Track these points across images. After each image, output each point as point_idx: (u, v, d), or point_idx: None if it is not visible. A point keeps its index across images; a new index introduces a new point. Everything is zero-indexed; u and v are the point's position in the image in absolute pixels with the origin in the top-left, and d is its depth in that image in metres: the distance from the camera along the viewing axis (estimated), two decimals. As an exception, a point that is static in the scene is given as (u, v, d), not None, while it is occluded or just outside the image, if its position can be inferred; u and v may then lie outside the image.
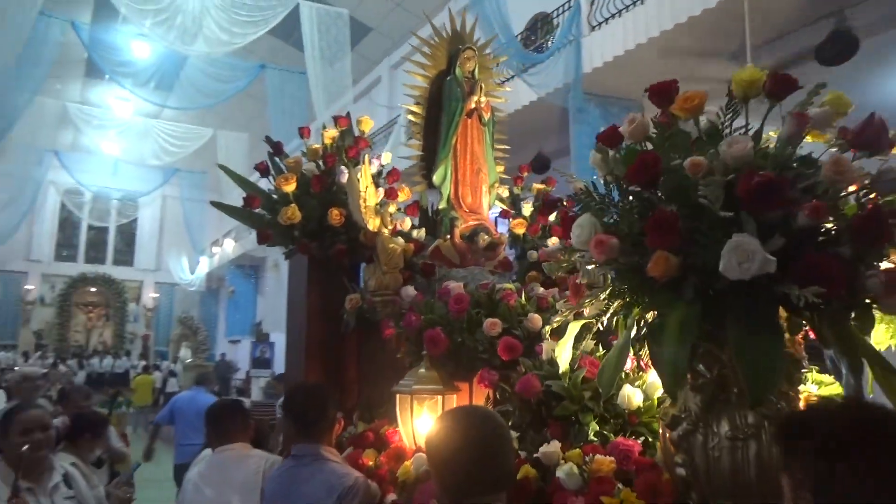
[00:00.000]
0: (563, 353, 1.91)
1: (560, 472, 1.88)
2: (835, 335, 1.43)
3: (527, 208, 3.94)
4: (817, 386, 2.11)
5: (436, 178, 3.65)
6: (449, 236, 3.50)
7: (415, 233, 3.62)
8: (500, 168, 3.89)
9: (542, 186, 4.00)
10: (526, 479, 1.95)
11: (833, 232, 1.43)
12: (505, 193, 3.98)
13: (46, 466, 2.61)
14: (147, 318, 24.55)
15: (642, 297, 1.56)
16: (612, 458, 1.89)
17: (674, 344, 1.42)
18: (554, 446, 2.01)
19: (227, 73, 13.31)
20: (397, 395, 2.58)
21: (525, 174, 4.25)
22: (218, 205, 4.33)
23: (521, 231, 3.77)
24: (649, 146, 1.69)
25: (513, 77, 8.76)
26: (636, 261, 1.49)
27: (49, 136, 16.56)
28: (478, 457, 1.55)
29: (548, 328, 2.15)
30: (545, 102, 8.08)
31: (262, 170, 3.87)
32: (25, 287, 22.79)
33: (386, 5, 14.75)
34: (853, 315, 1.45)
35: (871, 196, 1.48)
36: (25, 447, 2.20)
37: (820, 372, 2.09)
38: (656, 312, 1.55)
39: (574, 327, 1.81)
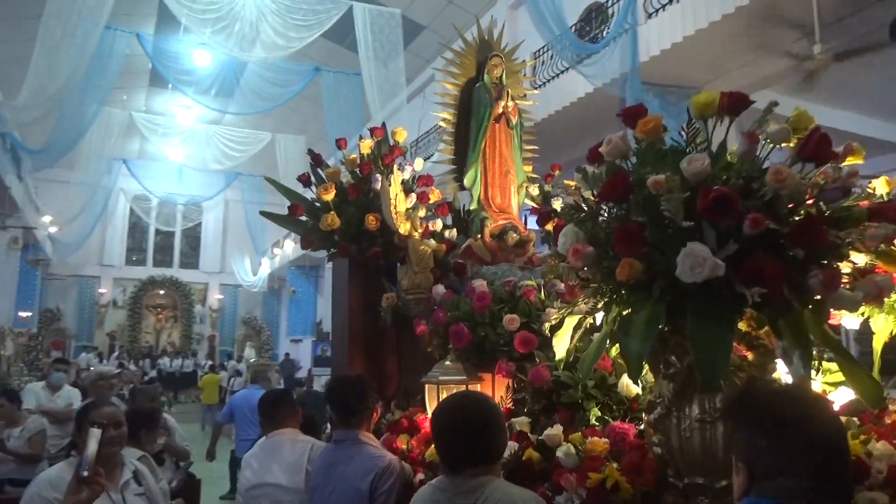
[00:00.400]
0: (560, 346, 2.05)
1: (559, 452, 2.10)
2: (787, 327, 1.61)
3: (557, 205, 3.93)
4: (823, 374, 2.23)
5: (466, 181, 3.86)
6: (480, 235, 3.68)
7: (447, 233, 3.80)
8: (529, 168, 4.06)
9: (572, 183, 4.05)
10: (529, 460, 2.17)
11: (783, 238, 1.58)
12: (535, 192, 4.09)
13: (118, 463, 2.66)
14: (212, 318, 25.26)
15: (619, 296, 1.76)
16: (607, 440, 2.08)
17: (639, 338, 1.63)
18: (556, 430, 2.24)
19: (284, 77, 13.54)
20: (426, 385, 2.83)
21: (556, 172, 4.37)
22: (267, 214, 4.60)
23: (550, 228, 3.69)
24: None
25: (567, 69, 8.62)
26: (614, 265, 1.68)
27: (117, 145, 17.17)
28: (461, 434, 1.85)
29: (547, 325, 2.30)
30: (601, 93, 7.91)
31: (304, 181, 4.09)
32: (99, 291, 23.76)
33: (438, 4, 14.74)
34: (810, 308, 1.62)
35: (823, 204, 1.66)
36: (96, 427, 2.21)
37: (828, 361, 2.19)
38: (630, 310, 1.73)
39: (570, 322, 1.98)
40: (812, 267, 1.57)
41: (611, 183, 1.76)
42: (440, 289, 3.22)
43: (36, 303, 20.03)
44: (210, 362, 21.46)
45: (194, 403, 17.94)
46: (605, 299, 1.81)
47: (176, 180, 21.33)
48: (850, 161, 1.81)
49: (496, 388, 2.84)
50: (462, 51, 4.01)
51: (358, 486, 2.49)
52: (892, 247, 1.73)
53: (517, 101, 3.99)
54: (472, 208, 3.83)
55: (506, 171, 3.77)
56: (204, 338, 24.82)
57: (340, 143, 4.46)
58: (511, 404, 2.65)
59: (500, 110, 3.85)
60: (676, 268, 1.53)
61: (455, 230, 3.88)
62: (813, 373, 2.00)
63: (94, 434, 2.13)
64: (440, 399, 2.61)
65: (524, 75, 4.32)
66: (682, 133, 1.86)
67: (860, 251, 1.71)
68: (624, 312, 1.74)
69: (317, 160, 4.08)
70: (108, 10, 9.37)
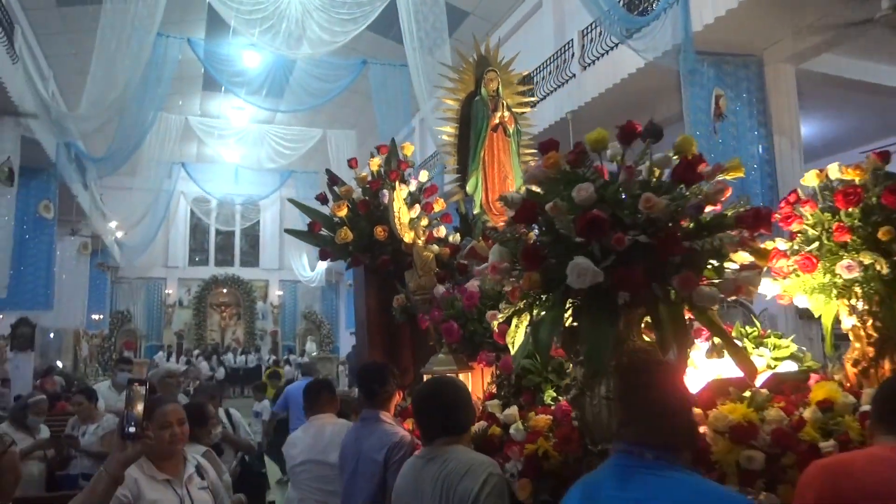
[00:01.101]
0: (516, 340, 2.34)
1: (511, 429, 2.54)
2: (668, 319, 2.01)
3: None
4: (773, 349, 2.84)
5: (469, 188, 4.25)
6: (482, 237, 3.90)
7: (451, 238, 4.22)
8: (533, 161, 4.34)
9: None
10: (493, 434, 2.64)
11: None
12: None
13: (182, 458, 2.71)
14: (274, 314, 25.80)
15: (536, 300, 2.18)
16: (549, 417, 2.51)
17: (546, 333, 2.06)
18: (512, 410, 2.69)
19: (332, 72, 13.63)
20: (424, 375, 3.22)
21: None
22: (290, 231, 5.23)
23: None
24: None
25: (617, 45, 8.36)
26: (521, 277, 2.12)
27: (175, 149, 17.60)
28: (432, 411, 2.35)
29: (494, 323, 2.64)
30: (653, 68, 7.64)
31: (322, 199, 4.57)
32: (166, 292, 24.55)
33: (481, -11, 14.57)
34: (689, 303, 2.03)
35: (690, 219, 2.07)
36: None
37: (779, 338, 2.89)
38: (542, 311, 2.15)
39: (517, 320, 2.30)
40: (686, 269, 1.97)
41: (521, 209, 2.16)
42: (440, 289, 3.60)
43: (107, 305, 20.84)
44: (273, 357, 21.94)
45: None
46: (527, 302, 2.22)
47: (233, 181, 21.79)
48: (731, 175, 2.18)
49: (483, 376, 3.27)
50: (462, 69, 4.43)
51: (375, 457, 2.89)
52: (764, 245, 2.20)
53: (514, 111, 4.37)
54: (475, 212, 4.20)
55: (504, 177, 4.16)
56: (266, 333, 25.37)
57: (352, 163, 4.95)
58: (494, 389, 3.04)
59: (497, 121, 4.23)
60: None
61: (460, 234, 4.28)
62: (763, 350, 2.82)
63: (139, 391, 2.08)
64: None
65: (522, 84, 4.76)
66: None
67: (729, 252, 2.08)
68: (540, 313, 2.16)
69: (333, 179, 4.51)
70: (160, 18, 9.56)
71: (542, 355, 2.16)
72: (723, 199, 2.12)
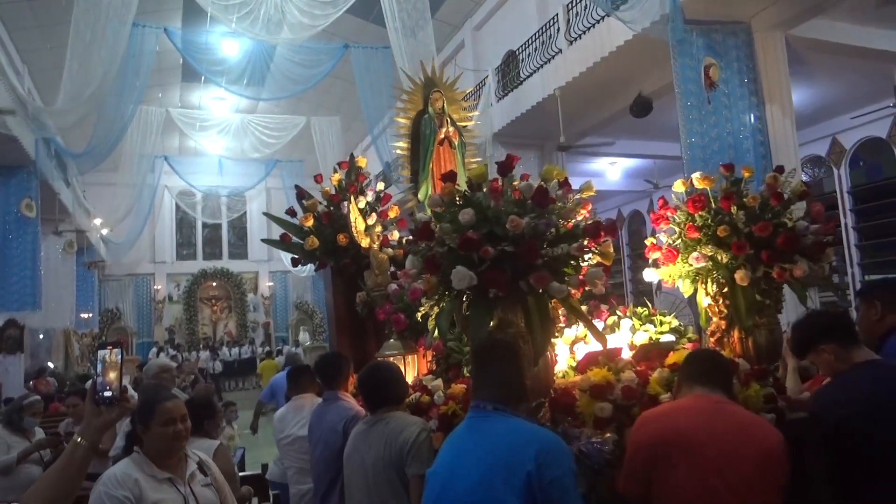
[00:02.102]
0: (438, 327, 2.95)
1: (434, 396, 3.16)
2: (534, 307, 2.75)
3: None
4: (658, 325, 3.63)
5: (420, 196, 4.95)
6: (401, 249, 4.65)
7: (404, 241, 4.61)
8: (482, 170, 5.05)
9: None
10: (423, 401, 3.19)
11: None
12: None
13: (183, 455, 2.63)
14: (266, 306, 25.65)
15: (441, 296, 2.88)
16: (464, 385, 3.05)
17: (443, 320, 2.89)
18: (437, 381, 3.32)
19: (314, 57, 13.41)
20: (378, 358, 3.82)
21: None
22: (267, 241, 5.72)
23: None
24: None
25: (604, 18, 8.24)
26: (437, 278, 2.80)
27: (157, 143, 17.33)
28: (373, 386, 3.00)
29: (419, 314, 3.37)
30: (641, 39, 7.54)
31: (291, 213, 5.12)
32: (154, 287, 24.32)
33: (461, -33, 14.36)
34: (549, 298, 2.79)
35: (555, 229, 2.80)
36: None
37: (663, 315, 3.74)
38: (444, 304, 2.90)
39: (431, 312, 3.02)
40: (545, 270, 2.67)
41: (420, 229, 2.85)
42: (392, 286, 4.16)
43: (95, 304, 20.60)
44: (267, 348, 21.82)
45: (255, 389, 18.29)
46: (437, 297, 2.90)
47: (217, 173, 21.52)
48: (585, 194, 3.01)
49: (426, 358, 3.88)
50: (414, 86, 5.12)
51: (336, 428, 3.43)
52: (606, 249, 2.88)
53: (458, 125, 5.02)
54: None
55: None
56: (259, 325, 25.24)
57: (317, 178, 5.42)
58: (434, 366, 3.70)
59: (443, 135, 4.95)
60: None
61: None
62: (649, 326, 3.61)
63: (114, 356, 1.95)
64: None
65: (467, 100, 5.58)
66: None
67: (577, 256, 2.79)
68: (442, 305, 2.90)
69: (300, 194, 5.08)
70: (135, 7, 9.33)
71: (441, 337, 3.10)
72: (581, 214, 2.92)
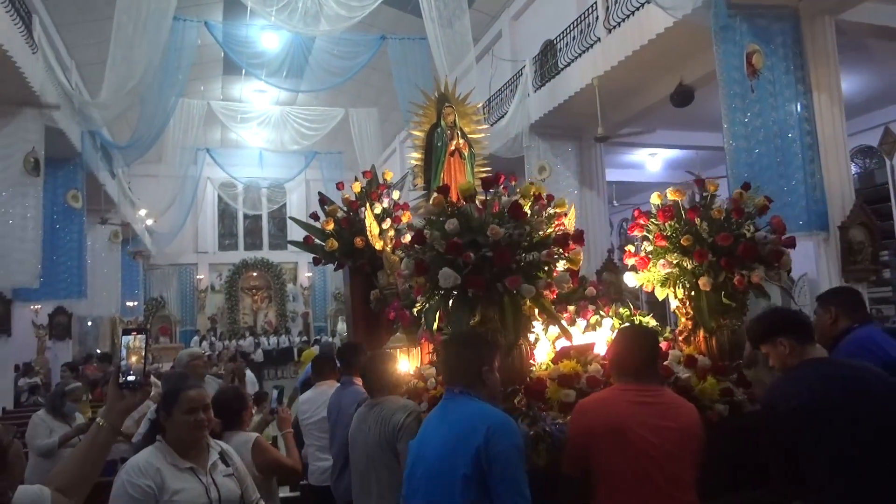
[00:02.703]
0: (425, 320, 3.65)
1: (427, 382, 3.65)
2: (509, 305, 3.15)
3: None
4: (620, 318, 4.10)
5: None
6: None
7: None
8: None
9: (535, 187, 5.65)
10: (419, 387, 3.66)
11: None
12: None
13: (205, 446, 2.64)
14: (305, 296, 25.94)
15: (430, 294, 3.28)
16: None
17: (430, 315, 3.50)
18: (430, 370, 3.74)
19: (351, 49, 13.45)
20: (387, 349, 4.16)
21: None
22: (292, 242, 6.28)
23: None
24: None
25: (644, 4, 8.05)
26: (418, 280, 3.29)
27: (199, 135, 17.62)
28: (373, 374, 3.37)
29: (415, 309, 3.80)
30: (682, 26, 7.34)
31: (314, 217, 5.60)
32: (197, 277, 24.82)
33: (499, -44, 14.22)
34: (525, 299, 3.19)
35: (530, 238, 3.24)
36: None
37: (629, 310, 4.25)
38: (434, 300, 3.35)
39: (425, 308, 3.53)
40: (519, 274, 3.11)
41: (414, 236, 3.28)
42: (400, 285, 4.39)
43: (141, 292, 21.10)
44: (305, 338, 22.09)
45: (292, 378, 18.52)
46: (428, 296, 3.31)
47: (258, 165, 21.83)
48: (557, 209, 3.50)
49: (429, 349, 4.06)
50: (428, 101, 5.51)
51: (349, 411, 3.69)
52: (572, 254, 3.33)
53: (469, 138, 5.41)
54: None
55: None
56: (298, 315, 25.55)
57: (339, 186, 5.92)
58: (434, 357, 3.92)
59: (453, 147, 5.30)
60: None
61: None
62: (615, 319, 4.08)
63: (138, 341, 2.04)
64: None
65: (478, 113, 5.88)
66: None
67: (547, 262, 3.21)
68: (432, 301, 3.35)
69: (322, 200, 5.66)
70: (175, 1, 9.47)
71: (429, 327, 3.68)
72: (554, 227, 3.37)
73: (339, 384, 4.28)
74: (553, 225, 3.39)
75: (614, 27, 8.77)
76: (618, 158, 13.51)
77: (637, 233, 3.91)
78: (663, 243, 3.68)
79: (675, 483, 2.38)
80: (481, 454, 2.18)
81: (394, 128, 20.01)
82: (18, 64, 8.16)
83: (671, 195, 3.79)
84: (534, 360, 3.50)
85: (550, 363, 3.49)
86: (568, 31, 10.22)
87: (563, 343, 3.57)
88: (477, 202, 3.28)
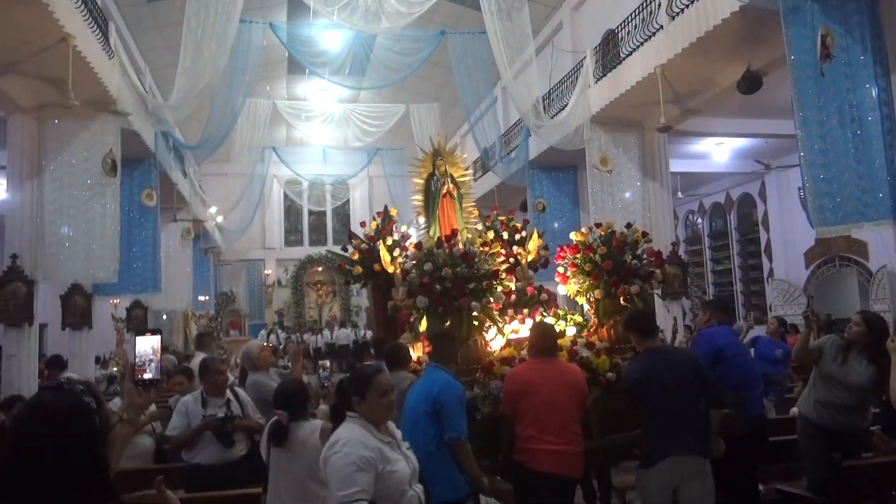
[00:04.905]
0: (413, 327, 5.70)
1: (422, 365, 4.96)
2: (466, 317, 5.13)
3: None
4: (568, 321, 5.95)
5: (430, 233, 6.71)
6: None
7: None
8: (476, 213, 7.20)
9: (503, 218, 7.16)
10: (417, 370, 4.94)
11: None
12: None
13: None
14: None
15: (417, 310, 5.24)
16: None
17: (418, 323, 5.48)
18: (425, 356, 5.23)
19: (412, 45, 13.54)
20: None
21: (493, 212, 7.44)
22: (336, 268, 8.56)
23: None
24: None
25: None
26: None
27: (266, 134, 18.10)
28: (386, 356, 4.79)
29: (413, 321, 5.64)
30: (749, 9, 7.09)
31: (344, 248, 7.29)
32: (265, 272, 25.51)
33: (559, -54, 14.03)
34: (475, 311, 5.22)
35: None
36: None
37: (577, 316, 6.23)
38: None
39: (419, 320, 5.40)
40: (469, 296, 5.08)
41: (403, 274, 5.43)
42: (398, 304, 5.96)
43: (211, 287, 21.85)
44: (368, 331, 22.35)
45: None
46: (414, 311, 5.25)
47: (321, 162, 22.24)
48: (495, 249, 5.74)
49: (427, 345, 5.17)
50: (425, 155, 7.08)
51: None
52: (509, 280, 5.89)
53: (458, 181, 6.89)
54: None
55: (450, 230, 6.36)
56: (361, 309, 25.93)
57: (361, 224, 7.22)
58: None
59: (445, 191, 6.78)
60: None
61: None
62: (562, 321, 5.91)
63: (155, 341, 2.19)
64: None
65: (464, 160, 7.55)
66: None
67: (489, 287, 5.19)
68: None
69: (350, 236, 7.07)
70: (241, 4, 9.74)
71: (414, 332, 5.68)
72: (497, 265, 5.43)
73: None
74: (495, 261, 5.35)
75: (677, 14, 8.53)
76: (683, 148, 13.16)
77: (560, 261, 5.88)
78: (573, 268, 5.71)
79: (566, 418, 3.90)
80: (435, 403, 3.73)
81: (455, 123, 20.04)
82: (96, 70, 8.55)
83: (576, 237, 5.83)
84: (491, 348, 5.34)
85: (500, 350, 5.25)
86: (630, 19, 10.01)
87: (512, 336, 5.49)
88: (443, 250, 5.19)
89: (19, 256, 8.88)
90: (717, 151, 13.67)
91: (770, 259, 15.71)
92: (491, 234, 6.55)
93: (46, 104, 9.08)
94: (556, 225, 13.22)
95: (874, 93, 6.41)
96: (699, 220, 18.65)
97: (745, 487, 4.41)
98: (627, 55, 9.89)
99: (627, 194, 10.84)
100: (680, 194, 15.36)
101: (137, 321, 14.82)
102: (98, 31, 8.81)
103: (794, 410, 5.23)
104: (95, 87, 8.80)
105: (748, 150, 13.51)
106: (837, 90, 6.44)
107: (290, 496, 3.55)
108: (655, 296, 5.86)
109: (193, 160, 15.61)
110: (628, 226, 5.82)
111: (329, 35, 14.07)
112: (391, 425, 2.91)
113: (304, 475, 3.51)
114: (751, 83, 8.36)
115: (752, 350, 7.18)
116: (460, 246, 5.29)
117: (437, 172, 6.84)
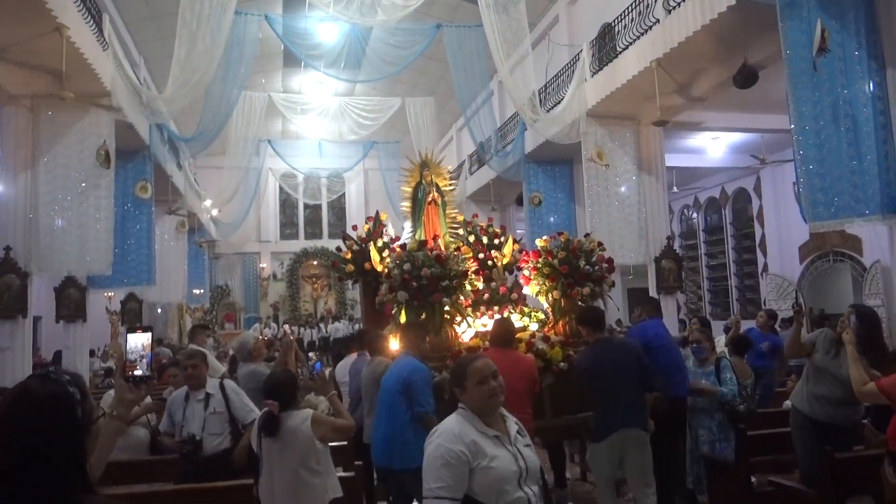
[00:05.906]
0: (395, 319, 6.10)
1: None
2: (438, 310, 5.78)
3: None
4: (529, 317, 6.72)
5: (416, 236, 7.24)
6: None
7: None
8: (460, 218, 8.05)
9: (482, 224, 7.93)
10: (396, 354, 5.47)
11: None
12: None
13: (500, 416, 2.68)
14: (363, 284, 26.25)
15: (399, 305, 5.89)
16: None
17: (398, 315, 5.98)
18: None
19: (407, 38, 13.52)
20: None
21: (474, 218, 8.34)
22: (331, 268, 8.87)
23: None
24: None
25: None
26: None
27: (261, 127, 18.05)
28: (368, 345, 5.80)
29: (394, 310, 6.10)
30: (745, 4, 7.09)
31: (338, 249, 7.63)
32: (260, 265, 25.49)
33: (556, -62, 13.99)
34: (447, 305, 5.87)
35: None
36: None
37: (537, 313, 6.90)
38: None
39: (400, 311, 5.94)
40: (441, 292, 5.70)
41: (387, 273, 5.97)
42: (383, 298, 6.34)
43: (206, 280, 21.80)
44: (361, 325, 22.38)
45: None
46: (400, 306, 5.86)
47: (317, 155, 22.21)
48: (465, 253, 6.50)
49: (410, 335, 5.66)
50: (413, 165, 7.81)
51: (360, 370, 5.62)
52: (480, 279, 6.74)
53: (442, 190, 7.65)
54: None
55: (435, 233, 7.21)
56: (357, 303, 25.93)
57: (354, 227, 7.70)
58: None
59: (430, 199, 7.49)
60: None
61: None
62: (525, 317, 6.70)
63: (143, 337, 2.20)
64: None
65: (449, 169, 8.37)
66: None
67: (459, 286, 5.85)
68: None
69: (344, 237, 7.52)
70: (236, -5, 9.69)
71: (397, 323, 5.94)
72: (466, 267, 5.97)
73: (357, 355, 6.34)
74: (466, 263, 5.98)
75: (674, 7, 8.52)
76: (679, 143, 13.18)
77: (524, 264, 6.59)
78: (535, 271, 6.36)
79: (520, 400, 4.36)
80: (404, 383, 4.45)
81: (450, 116, 20.02)
82: (90, 61, 8.50)
83: (540, 243, 6.49)
84: (461, 339, 5.90)
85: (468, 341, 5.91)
86: (626, 13, 10.00)
87: (481, 329, 6.11)
88: (423, 252, 5.80)
89: (13, 248, 8.84)
90: (712, 146, 13.68)
91: (765, 254, 15.76)
92: (472, 238, 7.55)
93: (40, 95, 9.03)
94: (552, 219, 13.23)
95: (868, 88, 6.41)
96: (694, 215, 18.68)
97: (671, 455, 5.38)
98: (624, 49, 9.88)
99: (623, 188, 10.84)
100: (675, 189, 15.38)
101: (132, 314, 14.80)
102: (92, 22, 8.76)
103: (787, 403, 5.26)
104: (89, 78, 8.75)
105: (744, 144, 13.53)
106: (832, 85, 6.45)
107: (282, 486, 3.56)
108: (608, 297, 6.47)
109: (188, 153, 15.53)
110: (586, 235, 6.95)
111: (325, 28, 14.02)
112: (510, 420, 2.69)
113: (296, 464, 3.52)
114: (747, 77, 8.36)
115: None
116: (441, 248, 6.16)
117: (423, 182, 7.60)
